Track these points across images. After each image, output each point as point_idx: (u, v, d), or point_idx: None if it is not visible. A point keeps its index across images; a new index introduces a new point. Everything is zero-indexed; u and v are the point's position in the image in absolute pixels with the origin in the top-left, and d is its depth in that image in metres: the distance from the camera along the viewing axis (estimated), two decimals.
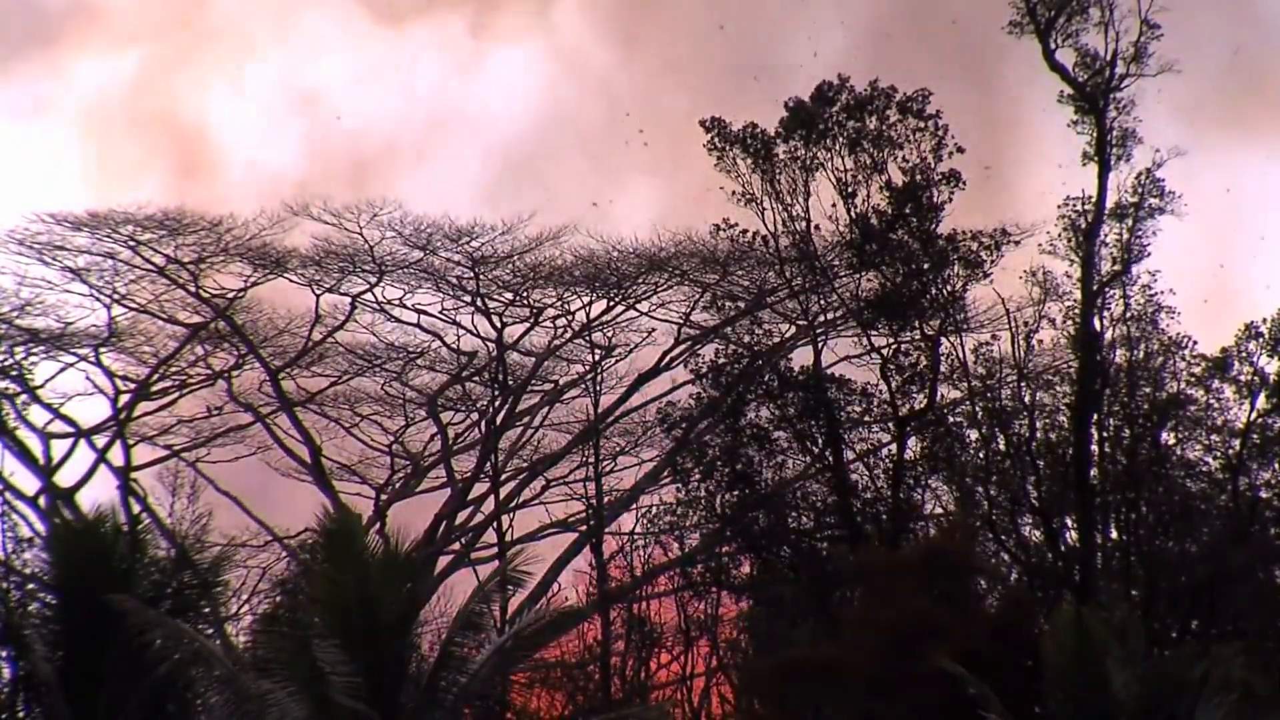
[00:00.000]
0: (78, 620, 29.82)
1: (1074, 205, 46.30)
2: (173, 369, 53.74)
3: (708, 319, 52.68)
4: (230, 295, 52.93)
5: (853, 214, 47.65)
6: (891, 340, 48.26)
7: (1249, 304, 56.16)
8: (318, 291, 53.37)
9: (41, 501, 50.10)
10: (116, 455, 52.11)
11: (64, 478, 51.19)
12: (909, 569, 39.57)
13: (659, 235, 52.14)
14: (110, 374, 52.79)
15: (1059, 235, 46.33)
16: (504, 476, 53.36)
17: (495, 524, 53.12)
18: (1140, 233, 46.43)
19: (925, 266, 47.44)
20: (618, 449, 54.77)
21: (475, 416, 54.96)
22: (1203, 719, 29.97)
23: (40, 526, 48.28)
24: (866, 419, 49.13)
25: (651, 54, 67.69)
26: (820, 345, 49.46)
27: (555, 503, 54.75)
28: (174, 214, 51.65)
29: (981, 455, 47.35)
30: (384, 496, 54.27)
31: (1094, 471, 46.23)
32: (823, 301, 49.72)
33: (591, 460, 52.67)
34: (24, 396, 51.63)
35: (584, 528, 53.10)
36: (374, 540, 31.58)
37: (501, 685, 43.57)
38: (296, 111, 68.62)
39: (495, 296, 53.52)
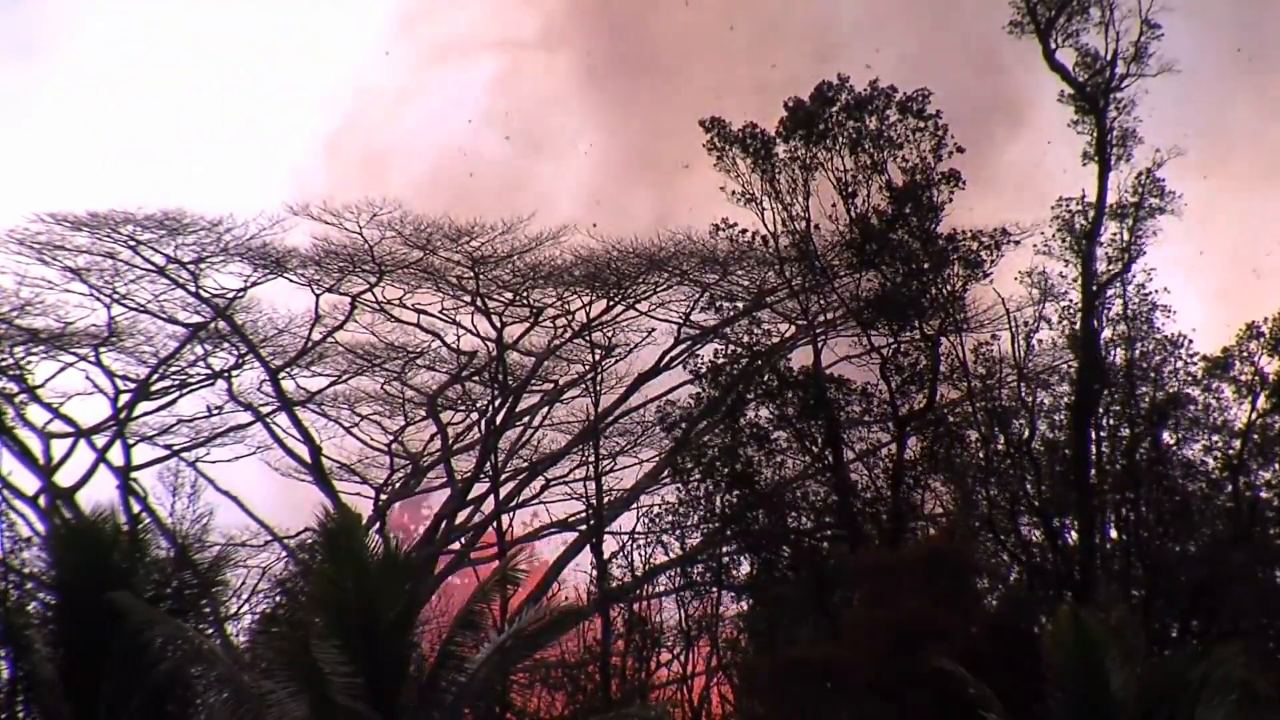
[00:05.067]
0: (78, 620, 29.84)
1: (1068, 205, 46.34)
2: (173, 369, 53.71)
3: (708, 319, 52.67)
4: (230, 295, 52.91)
5: (853, 214, 47.68)
6: (891, 340, 48.26)
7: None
8: (318, 291, 53.34)
9: (41, 501, 50.04)
10: (116, 455, 52.09)
11: (64, 478, 51.14)
12: (909, 569, 39.58)
13: (659, 235, 52.17)
14: (110, 374, 52.74)
15: (1054, 235, 46.38)
16: (504, 476, 53.34)
17: (495, 524, 53.12)
18: (1140, 232, 46.47)
19: (925, 266, 47.44)
20: (618, 449, 54.74)
21: (475, 416, 54.95)
22: (1203, 719, 29.94)
23: (40, 526, 48.24)
24: (866, 419, 49.14)
25: None
26: (820, 345, 49.47)
27: (555, 503, 54.81)
28: (174, 214, 51.58)
29: (981, 455, 47.34)
30: (384, 496, 54.26)
31: (1094, 471, 46.22)
32: (823, 301, 49.69)
33: (591, 460, 52.67)
34: (24, 396, 51.60)
35: (584, 528, 53.11)
36: (374, 540, 31.54)
37: (501, 685, 43.58)
38: None
39: (495, 296, 53.47)
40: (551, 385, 55.04)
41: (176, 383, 53.92)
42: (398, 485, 54.68)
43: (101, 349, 52.53)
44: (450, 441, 54.42)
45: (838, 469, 47.93)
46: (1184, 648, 42.78)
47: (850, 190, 47.59)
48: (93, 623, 29.35)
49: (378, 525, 51.81)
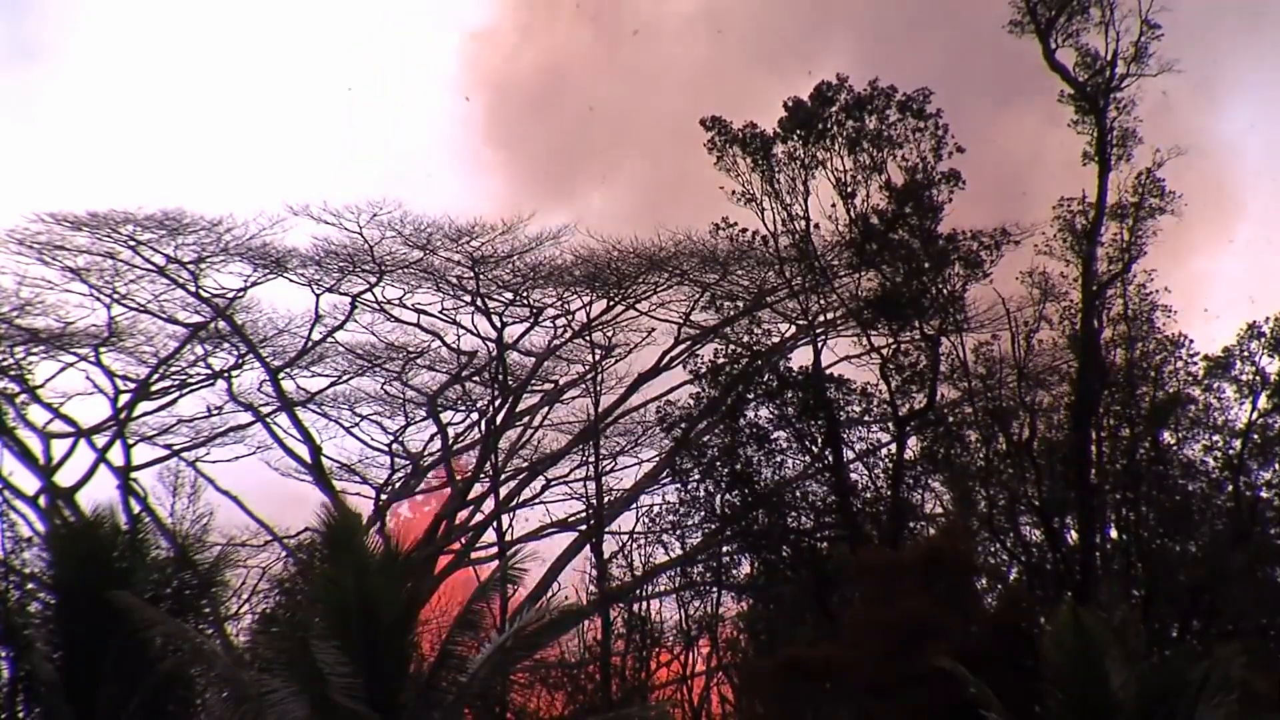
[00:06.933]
0: (78, 620, 29.85)
1: (1069, 205, 46.32)
2: (173, 369, 53.71)
3: (708, 319, 52.68)
4: (230, 295, 52.91)
5: (853, 214, 47.62)
6: (891, 340, 48.24)
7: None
8: (318, 291, 53.34)
9: (41, 501, 50.05)
10: (116, 455, 52.12)
11: (64, 478, 51.18)
12: (909, 569, 39.56)
13: (659, 235, 52.17)
14: (110, 374, 52.76)
15: (1055, 235, 46.36)
16: (504, 476, 53.35)
17: (495, 524, 53.14)
18: (1140, 232, 46.45)
19: (925, 266, 47.42)
20: (618, 449, 54.80)
21: (475, 416, 54.99)
22: (1203, 719, 29.93)
23: (40, 526, 48.24)
24: (866, 419, 49.14)
25: None
26: (820, 345, 49.48)
27: (555, 503, 54.84)
28: (174, 214, 51.56)
29: (981, 455, 47.35)
30: (384, 496, 54.27)
31: (1094, 471, 46.22)
32: (823, 301, 49.68)
33: (591, 460, 52.69)
34: (24, 396, 51.60)
35: (584, 528, 53.12)
36: (374, 540, 31.57)
37: (501, 685, 43.52)
38: None
39: (495, 296, 53.49)
40: (551, 385, 55.08)
41: (176, 383, 53.97)
42: (398, 485, 54.70)
43: (101, 349, 52.53)
44: (450, 441, 54.44)
45: (838, 469, 47.92)
46: (1184, 648, 42.75)
47: (850, 190, 47.53)
48: (93, 623, 29.36)
49: (378, 525, 51.83)
